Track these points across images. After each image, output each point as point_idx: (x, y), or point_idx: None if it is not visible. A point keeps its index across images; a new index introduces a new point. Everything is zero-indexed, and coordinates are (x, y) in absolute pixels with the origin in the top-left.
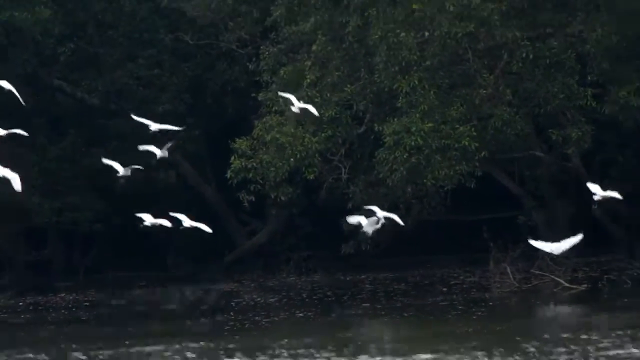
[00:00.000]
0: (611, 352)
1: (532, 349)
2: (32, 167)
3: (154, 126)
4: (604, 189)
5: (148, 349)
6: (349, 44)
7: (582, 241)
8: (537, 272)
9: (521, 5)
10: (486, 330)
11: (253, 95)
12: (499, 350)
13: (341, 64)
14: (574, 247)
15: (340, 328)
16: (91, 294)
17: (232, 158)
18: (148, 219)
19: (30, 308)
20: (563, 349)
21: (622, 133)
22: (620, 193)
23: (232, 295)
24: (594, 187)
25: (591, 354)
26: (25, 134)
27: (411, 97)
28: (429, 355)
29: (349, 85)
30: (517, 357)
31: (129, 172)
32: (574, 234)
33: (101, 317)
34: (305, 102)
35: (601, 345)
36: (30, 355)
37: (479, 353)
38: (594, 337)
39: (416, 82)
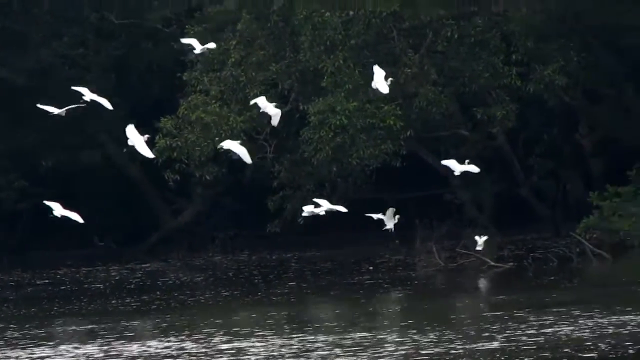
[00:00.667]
0: (534, 330)
1: (460, 327)
2: None
3: (88, 95)
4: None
5: (74, 327)
6: (274, 23)
7: (508, 219)
8: (462, 251)
9: None
10: (414, 309)
11: (178, 74)
12: (428, 328)
13: (266, 43)
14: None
15: (267, 307)
16: (17, 273)
17: (157, 137)
18: (57, 209)
19: None
20: (488, 327)
21: (546, 111)
22: (546, 170)
23: (157, 274)
24: (450, 163)
25: (516, 331)
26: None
27: (336, 76)
28: (361, 334)
29: (274, 64)
30: (447, 335)
31: (63, 113)
32: (500, 212)
33: (27, 297)
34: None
35: (526, 322)
36: None
37: (410, 331)
38: (519, 315)
39: (341, 62)
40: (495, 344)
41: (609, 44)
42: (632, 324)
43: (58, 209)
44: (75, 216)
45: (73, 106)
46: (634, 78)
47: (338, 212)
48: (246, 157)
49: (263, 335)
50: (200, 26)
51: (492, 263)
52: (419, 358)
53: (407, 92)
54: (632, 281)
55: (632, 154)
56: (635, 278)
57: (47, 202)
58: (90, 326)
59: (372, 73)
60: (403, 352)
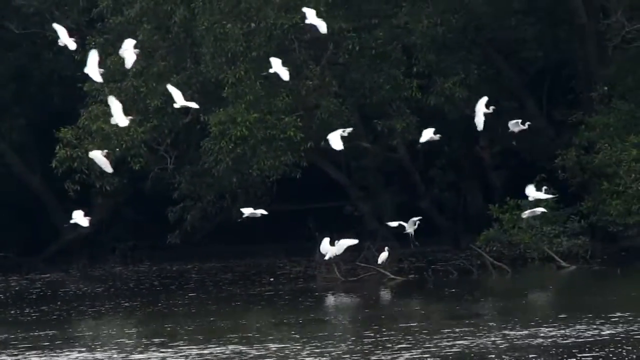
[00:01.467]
0: (434, 342)
1: (359, 338)
2: None
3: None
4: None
5: None
6: (175, 34)
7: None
8: (362, 264)
9: None
10: (315, 321)
11: (79, 85)
12: (329, 342)
13: (167, 54)
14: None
15: (168, 318)
16: None
17: (57, 147)
18: None
19: None
20: (388, 339)
21: (447, 124)
22: (446, 182)
23: (57, 284)
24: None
25: (417, 343)
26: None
27: (237, 87)
28: (262, 345)
29: (175, 75)
30: (348, 346)
31: None
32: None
33: None
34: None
35: (426, 334)
36: None
37: (312, 343)
38: (419, 326)
39: (242, 73)
40: (395, 356)
41: (510, 57)
42: (533, 336)
43: None
44: None
45: None
46: (533, 91)
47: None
48: (107, 168)
49: (163, 345)
50: (101, 37)
51: (392, 276)
52: None
53: (308, 104)
54: (531, 294)
55: (532, 167)
56: (535, 291)
57: None
58: None
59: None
60: None
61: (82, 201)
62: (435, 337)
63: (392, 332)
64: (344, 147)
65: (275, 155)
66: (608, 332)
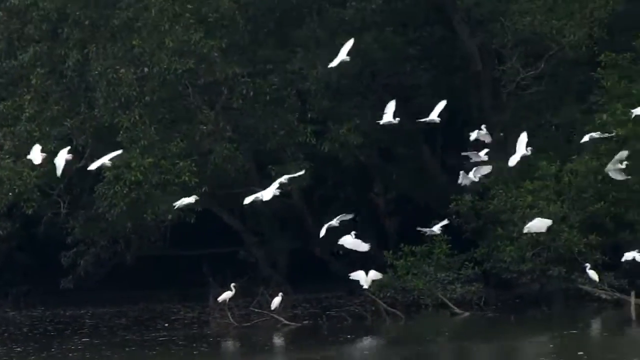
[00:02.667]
0: None
1: None
2: None
3: None
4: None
5: None
6: (69, 78)
7: (303, 278)
8: (256, 309)
9: (241, 42)
10: None
11: None
12: None
13: (61, 98)
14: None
15: None
16: None
17: None
18: None
19: None
20: None
21: (341, 169)
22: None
23: None
24: None
25: None
26: None
27: (131, 132)
28: None
29: (68, 120)
30: None
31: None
32: (295, 270)
33: None
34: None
35: None
36: None
37: None
38: None
39: (136, 118)
40: None
41: (405, 103)
42: None
43: None
44: None
45: None
46: (428, 138)
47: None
48: None
49: None
50: None
51: (286, 321)
52: None
53: (202, 149)
54: (425, 340)
55: (427, 214)
56: (428, 337)
57: None
58: None
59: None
60: None
61: None
62: None
63: None
64: (238, 192)
65: (169, 199)
66: None
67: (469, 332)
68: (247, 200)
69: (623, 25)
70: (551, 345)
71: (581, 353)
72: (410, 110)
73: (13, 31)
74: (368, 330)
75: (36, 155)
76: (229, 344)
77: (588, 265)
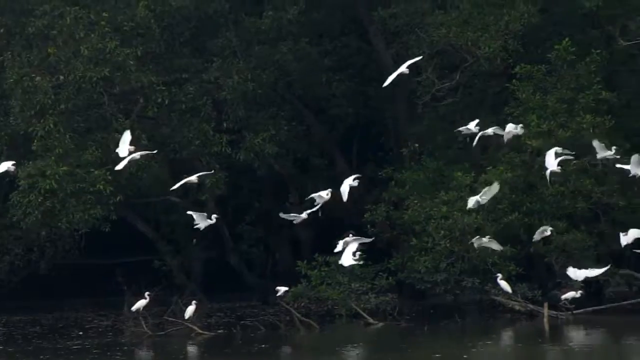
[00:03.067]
0: None
1: None
2: None
3: None
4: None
5: None
6: None
7: (217, 287)
8: (170, 318)
9: (157, 50)
10: None
11: None
12: None
13: None
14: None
15: None
16: None
17: None
18: None
19: None
20: None
21: (257, 179)
22: (255, 238)
23: None
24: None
25: None
26: None
27: (46, 140)
28: None
29: None
30: None
31: None
32: (209, 279)
33: None
34: None
35: None
36: None
37: None
38: None
39: (51, 126)
40: None
41: (320, 113)
42: None
43: None
44: None
45: None
46: (343, 148)
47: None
48: None
49: None
50: None
51: (200, 331)
52: None
53: (118, 158)
54: (339, 350)
55: (341, 224)
56: (342, 347)
57: None
58: None
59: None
60: None
61: None
62: None
63: None
64: (153, 201)
65: (84, 208)
66: None
67: (383, 343)
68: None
69: (537, 37)
70: (465, 356)
71: None
72: (325, 120)
73: None
74: (282, 340)
75: None
76: (143, 353)
77: (500, 275)
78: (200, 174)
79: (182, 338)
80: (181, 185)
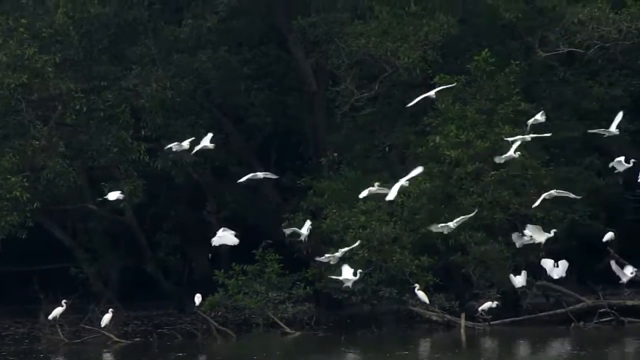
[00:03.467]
0: None
1: None
2: None
3: None
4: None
5: None
6: None
7: (134, 295)
8: (87, 326)
9: (76, 57)
10: None
11: None
12: None
13: None
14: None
15: None
16: None
17: None
18: None
19: None
20: None
21: (174, 187)
22: (172, 246)
23: None
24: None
25: None
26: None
27: None
28: None
29: None
30: None
31: None
32: (126, 287)
33: None
34: None
35: None
36: None
37: None
38: None
39: None
40: None
41: (239, 122)
42: None
43: None
44: None
45: None
46: (262, 157)
47: None
48: None
49: None
50: None
51: (116, 338)
52: None
53: (35, 164)
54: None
55: (258, 233)
56: (259, 356)
57: None
58: None
59: None
60: None
61: None
62: None
63: None
64: (70, 208)
65: (0, 215)
66: None
67: (300, 352)
68: None
69: (457, 48)
70: None
71: None
72: (244, 129)
73: None
74: (199, 349)
75: None
76: None
77: (417, 286)
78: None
79: (99, 346)
80: (99, 193)
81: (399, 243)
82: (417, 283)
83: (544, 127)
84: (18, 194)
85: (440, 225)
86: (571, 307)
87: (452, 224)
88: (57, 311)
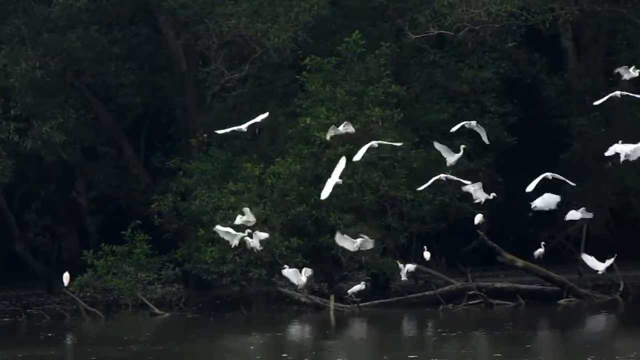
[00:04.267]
0: None
1: None
2: None
3: None
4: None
5: None
6: None
7: (2, 275)
8: None
9: None
10: None
11: None
12: None
13: None
14: None
15: None
16: None
17: None
18: None
19: None
20: None
21: (44, 167)
22: (41, 226)
23: None
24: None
25: None
26: None
27: None
28: None
29: None
30: None
31: None
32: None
33: None
34: None
35: None
36: None
37: None
38: None
39: None
40: None
41: (109, 102)
42: None
43: None
44: None
45: None
46: (132, 137)
47: None
48: None
49: None
50: None
51: None
52: None
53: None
54: (124, 340)
55: (128, 214)
56: (128, 337)
57: None
58: None
59: None
60: None
61: None
62: None
63: None
64: None
65: None
66: None
67: (169, 333)
68: None
69: (327, 29)
70: (252, 347)
71: (285, 355)
72: (114, 109)
73: None
74: (67, 329)
75: None
76: None
77: (286, 266)
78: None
79: None
80: None
81: (268, 224)
82: (287, 264)
83: (414, 109)
84: None
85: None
86: (440, 290)
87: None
88: None
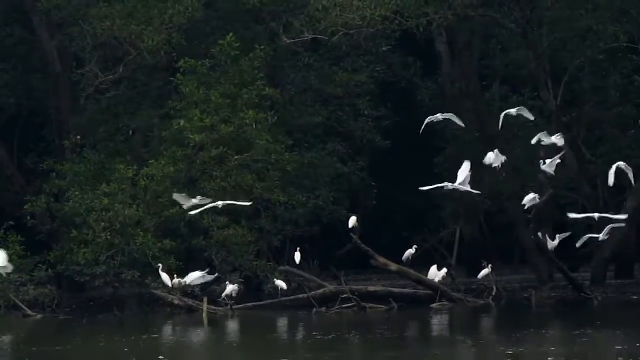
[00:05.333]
0: None
1: None
2: None
3: None
4: None
5: None
6: None
7: None
8: None
9: None
10: None
11: None
12: None
13: None
14: None
15: None
16: None
17: None
18: None
19: None
20: None
21: None
22: None
23: None
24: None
25: None
26: None
27: None
28: None
29: None
30: None
31: None
32: None
33: None
34: None
35: None
36: None
37: None
38: None
39: None
40: None
41: None
42: None
43: None
44: None
45: None
46: (4, 138)
47: None
48: None
49: None
50: None
51: None
52: None
53: None
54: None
55: (1, 215)
56: (3, 339)
57: None
58: None
59: None
60: None
61: None
62: None
63: None
64: None
65: None
66: None
67: (41, 335)
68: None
69: (202, 32)
70: (126, 350)
71: (162, 357)
72: None
73: None
74: None
75: None
76: None
77: (161, 265)
78: None
79: None
80: None
81: (141, 226)
82: (160, 266)
83: (288, 112)
84: None
85: (183, 195)
86: (313, 293)
87: (196, 200)
88: None
